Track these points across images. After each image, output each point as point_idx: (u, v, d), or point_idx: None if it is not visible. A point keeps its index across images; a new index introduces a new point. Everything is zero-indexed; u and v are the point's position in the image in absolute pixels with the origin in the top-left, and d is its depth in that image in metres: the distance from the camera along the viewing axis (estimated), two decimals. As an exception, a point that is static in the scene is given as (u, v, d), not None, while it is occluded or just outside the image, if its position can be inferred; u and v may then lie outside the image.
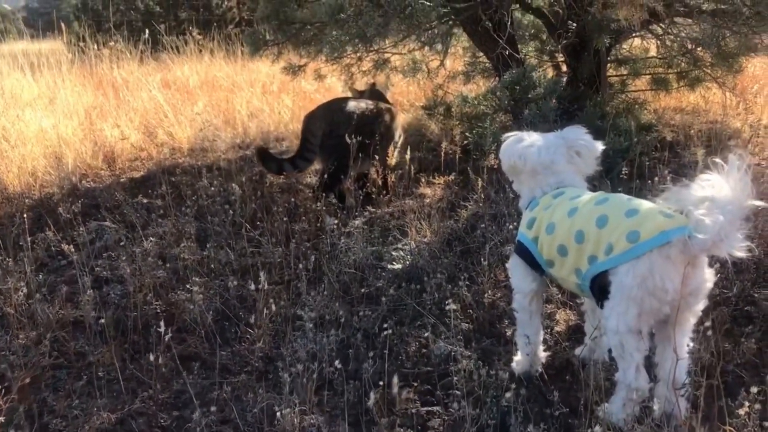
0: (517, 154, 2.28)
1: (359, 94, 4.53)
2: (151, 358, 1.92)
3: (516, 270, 2.26)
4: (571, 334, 2.58)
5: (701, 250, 1.80)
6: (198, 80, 7.86)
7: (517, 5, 4.93)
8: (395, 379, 1.82)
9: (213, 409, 2.09)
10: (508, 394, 1.86)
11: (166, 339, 2.04)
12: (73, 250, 3.00)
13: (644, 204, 1.95)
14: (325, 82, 6.09)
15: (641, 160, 4.20)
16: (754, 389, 1.59)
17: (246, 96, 6.80)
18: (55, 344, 2.54)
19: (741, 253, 1.73)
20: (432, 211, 3.63)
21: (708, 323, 1.98)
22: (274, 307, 2.45)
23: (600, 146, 2.29)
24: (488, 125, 4.52)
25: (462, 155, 4.65)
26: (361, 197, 3.65)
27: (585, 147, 2.24)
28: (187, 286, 2.92)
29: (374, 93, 4.54)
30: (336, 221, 3.46)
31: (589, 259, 1.96)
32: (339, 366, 1.99)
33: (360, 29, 4.04)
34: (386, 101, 4.51)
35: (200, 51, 9.29)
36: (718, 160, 1.74)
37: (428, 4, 4.17)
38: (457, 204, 3.93)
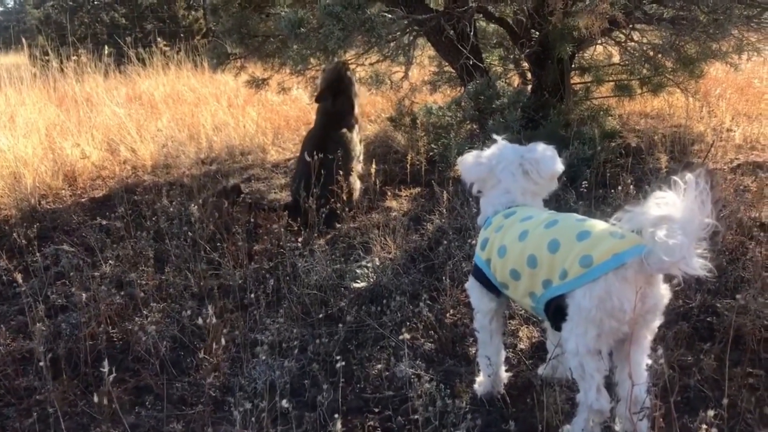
0: (465, 171, 2.25)
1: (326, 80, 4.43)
2: (96, 399, 1.84)
3: (474, 290, 2.23)
4: (534, 352, 2.55)
5: (659, 270, 1.78)
6: (163, 93, 7.76)
7: (480, 15, 4.92)
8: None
9: (166, 445, 2.02)
10: (464, 424, 1.82)
11: (119, 372, 1.97)
12: (22, 280, 2.90)
13: (595, 225, 1.93)
14: (290, 94, 6.03)
15: (605, 168, 4.22)
16: (711, 413, 1.56)
17: (211, 109, 6.72)
18: (3, 380, 2.44)
19: (700, 272, 1.71)
20: (397, 226, 3.59)
21: (669, 335, 1.96)
22: (223, 341, 2.38)
23: (558, 166, 2.24)
24: (453, 136, 4.50)
25: (428, 166, 4.62)
26: (323, 214, 3.60)
27: (535, 165, 2.20)
28: (144, 313, 2.85)
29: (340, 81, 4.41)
30: (299, 240, 3.41)
31: (544, 283, 1.93)
32: (292, 401, 1.92)
33: (321, 42, 3.99)
34: (349, 92, 4.41)
35: (167, 63, 9.18)
36: (676, 178, 1.71)
37: (389, 16, 4.13)
38: (422, 217, 3.89)
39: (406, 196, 4.40)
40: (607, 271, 1.79)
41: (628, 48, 4.89)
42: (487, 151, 2.28)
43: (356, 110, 4.41)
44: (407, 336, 2.20)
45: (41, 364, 2.01)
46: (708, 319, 2.63)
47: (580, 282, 1.83)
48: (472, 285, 2.23)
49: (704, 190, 1.71)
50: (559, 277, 1.88)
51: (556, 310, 1.92)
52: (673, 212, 1.71)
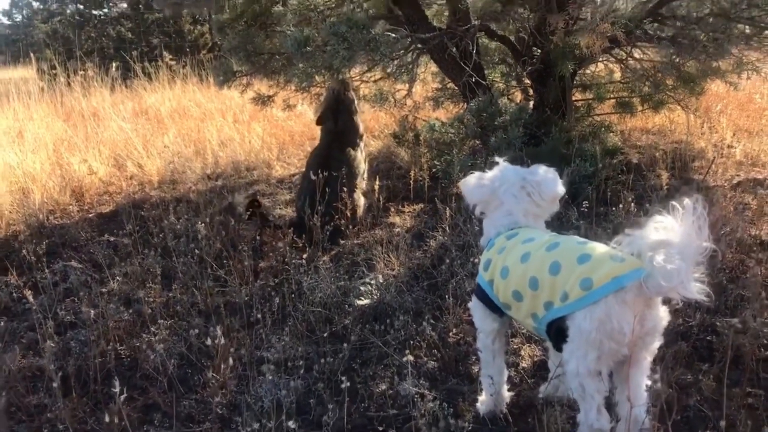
0: (468, 193, 2.30)
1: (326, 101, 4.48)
2: (107, 418, 1.88)
3: (477, 311, 2.26)
4: (536, 371, 2.59)
5: (657, 294, 1.82)
6: (169, 108, 7.84)
7: (483, 33, 4.98)
8: None
9: (174, 463, 2.06)
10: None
11: (127, 389, 2.01)
12: (32, 297, 2.96)
13: (596, 248, 1.97)
14: (295, 110, 6.10)
15: (606, 185, 4.25)
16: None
17: (217, 124, 6.79)
18: (12, 398, 2.49)
19: (697, 296, 1.75)
20: (400, 243, 3.64)
21: (668, 355, 2.00)
22: (231, 361, 2.43)
23: (559, 188, 2.29)
24: (456, 152, 4.55)
25: (431, 183, 4.67)
26: (328, 231, 3.65)
27: (537, 187, 2.24)
28: (152, 330, 2.89)
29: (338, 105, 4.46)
30: (303, 257, 3.46)
31: (545, 305, 1.97)
32: (298, 420, 1.96)
33: (326, 60, 4.05)
34: (350, 111, 4.47)
35: (173, 78, 9.27)
36: (675, 203, 1.76)
37: (393, 35, 4.19)
38: (425, 234, 3.93)
39: (409, 212, 4.45)
40: (606, 294, 1.83)
41: (629, 66, 4.94)
42: (490, 173, 2.33)
43: (360, 128, 4.48)
44: (411, 357, 2.24)
45: (54, 384, 2.05)
46: (707, 338, 2.67)
47: (580, 304, 1.88)
48: (475, 305, 2.27)
49: (701, 214, 1.75)
50: (560, 299, 1.92)
51: (558, 332, 1.96)
52: (671, 237, 1.75)
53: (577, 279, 1.88)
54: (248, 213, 4.03)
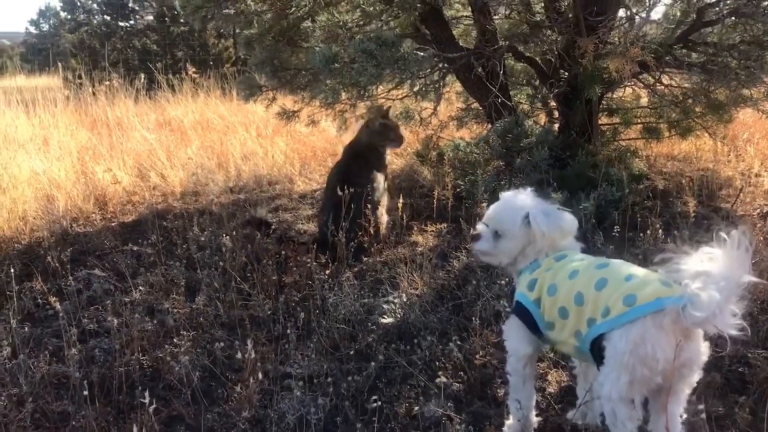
0: (555, 226, 2.21)
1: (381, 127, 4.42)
2: (135, 430, 1.87)
3: (513, 332, 2.23)
4: (563, 396, 2.55)
5: (693, 324, 1.78)
6: (192, 120, 7.90)
7: (510, 54, 4.98)
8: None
9: (197, 477, 2.04)
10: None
11: (152, 405, 2.00)
12: (58, 303, 2.96)
13: (644, 271, 1.95)
14: (319, 126, 6.11)
15: (633, 211, 4.21)
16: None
17: (240, 138, 6.83)
18: (37, 406, 2.48)
19: (733, 331, 1.72)
20: (424, 262, 3.62)
21: (700, 385, 1.96)
22: (260, 375, 2.41)
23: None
24: (480, 173, 4.53)
25: (454, 202, 4.65)
26: (353, 248, 3.63)
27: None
28: (175, 341, 2.89)
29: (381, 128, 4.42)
30: (327, 273, 3.44)
31: (588, 321, 1.95)
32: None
33: (354, 78, 4.06)
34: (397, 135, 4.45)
35: (196, 90, 9.35)
36: (722, 234, 1.73)
37: (421, 54, 4.21)
38: (449, 254, 3.91)
39: (432, 231, 4.43)
40: (646, 313, 1.80)
41: (657, 91, 4.92)
42: (530, 201, 2.27)
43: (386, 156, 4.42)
44: (444, 379, 2.21)
45: (84, 393, 2.04)
46: (740, 369, 2.62)
47: (619, 321, 1.85)
48: (511, 326, 2.23)
49: (747, 247, 1.72)
50: (601, 314, 1.90)
51: (599, 351, 1.93)
52: (712, 267, 1.72)
53: (622, 294, 1.86)
54: (264, 234, 4.01)
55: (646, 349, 1.81)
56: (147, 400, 1.83)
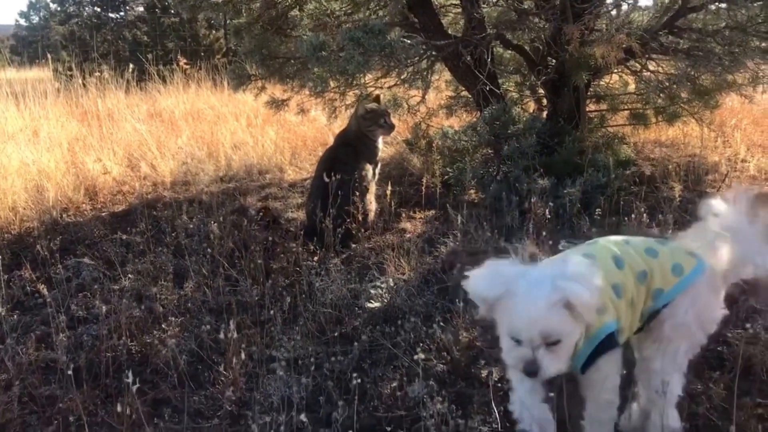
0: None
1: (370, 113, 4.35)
2: (119, 408, 1.90)
3: (613, 366, 1.87)
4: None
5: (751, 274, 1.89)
6: (183, 111, 7.90)
7: (498, 42, 5.00)
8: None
9: (183, 456, 2.07)
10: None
11: (136, 386, 2.02)
12: (47, 291, 2.98)
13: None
14: (308, 115, 6.13)
15: (619, 196, 4.25)
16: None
17: (230, 128, 6.84)
18: (25, 389, 2.51)
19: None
20: (411, 248, 3.65)
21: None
22: (244, 355, 2.44)
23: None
24: (468, 160, 4.56)
25: (443, 190, 4.68)
26: (340, 234, 3.66)
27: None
28: (163, 326, 2.91)
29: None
30: (315, 259, 3.47)
31: (655, 293, 1.90)
32: (309, 415, 1.97)
33: (341, 66, 4.08)
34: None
35: (187, 81, 9.35)
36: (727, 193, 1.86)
37: (408, 42, 4.22)
38: (436, 240, 3.94)
39: (421, 218, 4.46)
40: (698, 279, 1.85)
41: (644, 77, 4.95)
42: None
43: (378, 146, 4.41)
44: (422, 356, 2.25)
45: (69, 372, 2.07)
46: (718, 348, 2.66)
47: (679, 289, 1.87)
48: (609, 362, 1.86)
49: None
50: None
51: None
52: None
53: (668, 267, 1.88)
54: (260, 218, 4.08)
55: (709, 314, 1.87)
56: (130, 380, 1.86)
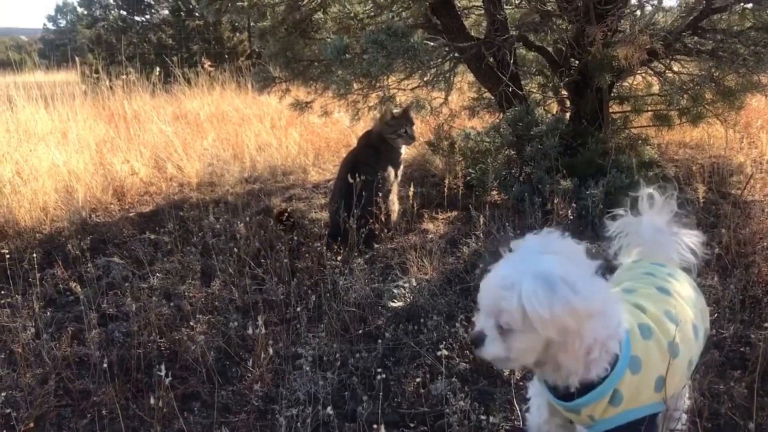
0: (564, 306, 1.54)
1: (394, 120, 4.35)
2: (152, 401, 1.96)
3: None
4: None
5: None
6: (208, 113, 8.01)
7: (521, 43, 5.02)
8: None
9: (212, 449, 2.13)
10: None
11: (168, 380, 2.09)
12: (79, 289, 3.07)
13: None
14: (332, 117, 6.19)
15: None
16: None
17: (255, 129, 6.92)
18: (60, 383, 2.59)
19: None
20: (433, 248, 3.68)
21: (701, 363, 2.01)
22: (271, 351, 2.50)
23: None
24: (491, 161, 4.59)
25: (465, 191, 4.71)
26: (363, 234, 3.71)
27: None
28: (191, 324, 2.98)
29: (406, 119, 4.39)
30: (338, 259, 3.52)
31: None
32: (334, 410, 2.02)
33: (365, 68, 4.12)
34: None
35: (211, 84, 9.46)
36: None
37: (431, 44, 4.26)
38: (459, 240, 3.97)
39: (443, 219, 4.49)
40: None
41: (667, 78, 4.93)
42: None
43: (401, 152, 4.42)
44: (445, 352, 2.28)
45: (103, 367, 2.13)
46: (741, 348, 2.66)
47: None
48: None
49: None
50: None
51: None
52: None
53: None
54: (283, 220, 4.15)
55: None
56: (163, 374, 1.92)
